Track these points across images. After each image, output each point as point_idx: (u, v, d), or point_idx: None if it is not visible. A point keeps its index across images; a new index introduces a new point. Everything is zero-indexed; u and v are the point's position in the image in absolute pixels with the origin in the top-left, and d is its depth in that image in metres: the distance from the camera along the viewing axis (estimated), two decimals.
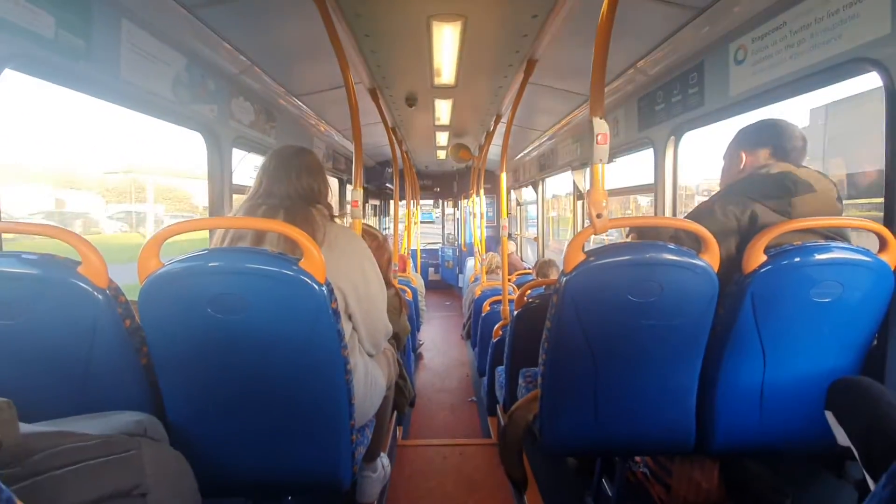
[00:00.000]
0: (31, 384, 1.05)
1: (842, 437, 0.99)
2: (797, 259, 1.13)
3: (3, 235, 1.31)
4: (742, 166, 1.45)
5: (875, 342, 1.24)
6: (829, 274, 1.13)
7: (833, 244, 1.16)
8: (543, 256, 5.02)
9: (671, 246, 1.15)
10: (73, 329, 1.03)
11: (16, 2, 1.22)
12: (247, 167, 2.60)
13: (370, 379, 1.41)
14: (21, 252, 1.03)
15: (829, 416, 1.03)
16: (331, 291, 1.05)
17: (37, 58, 1.31)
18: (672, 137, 2.32)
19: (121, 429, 0.93)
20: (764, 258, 1.14)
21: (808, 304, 1.15)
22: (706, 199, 1.43)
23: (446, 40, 2.20)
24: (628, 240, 1.69)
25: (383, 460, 1.89)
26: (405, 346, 2.86)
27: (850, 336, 1.20)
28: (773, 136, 1.41)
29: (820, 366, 1.21)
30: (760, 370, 1.22)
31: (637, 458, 1.77)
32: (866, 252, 1.14)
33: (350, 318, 1.32)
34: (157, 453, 0.69)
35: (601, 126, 1.17)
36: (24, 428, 0.62)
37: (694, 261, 1.13)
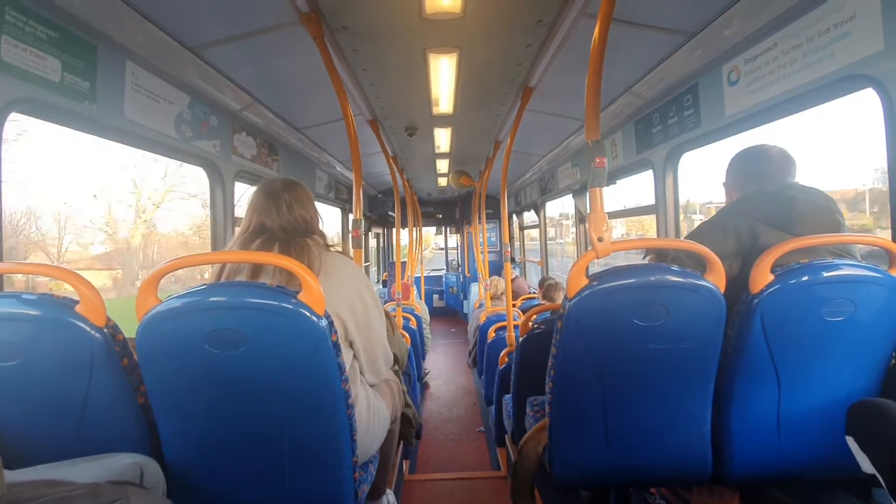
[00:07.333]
0: (28, 425, 1.03)
1: (865, 464, 0.94)
2: (805, 278, 1.10)
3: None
4: (729, 196, 1.48)
5: (894, 361, 1.20)
6: (839, 292, 1.10)
7: (841, 261, 1.13)
8: (548, 278, 4.97)
9: (675, 268, 1.13)
10: (70, 368, 1.01)
11: (23, 47, 1.26)
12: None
13: (372, 411, 1.38)
14: (20, 292, 1.03)
15: (850, 441, 0.99)
16: (330, 323, 1.04)
17: (43, 101, 1.34)
18: (671, 158, 2.33)
19: (115, 472, 0.91)
20: (771, 277, 1.11)
21: (820, 324, 1.11)
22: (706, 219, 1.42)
23: (443, 71, 2.26)
24: (645, 262, 1.67)
25: (389, 497, 1.82)
26: (410, 375, 2.81)
27: (866, 356, 1.16)
28: (753, 163, 1.42)
29: (837, 388, 1.17)
30: (775, 393, 1.18)
31: (652, 489, 1.70)
32: (876, 269, 1.12)
33: (351, 345, 1.31)
34: (145, 502, 0.67)
35: (598, 150, 1.18)
36: (13, 476, 0.60)
37: (699, 282, 1.11)
